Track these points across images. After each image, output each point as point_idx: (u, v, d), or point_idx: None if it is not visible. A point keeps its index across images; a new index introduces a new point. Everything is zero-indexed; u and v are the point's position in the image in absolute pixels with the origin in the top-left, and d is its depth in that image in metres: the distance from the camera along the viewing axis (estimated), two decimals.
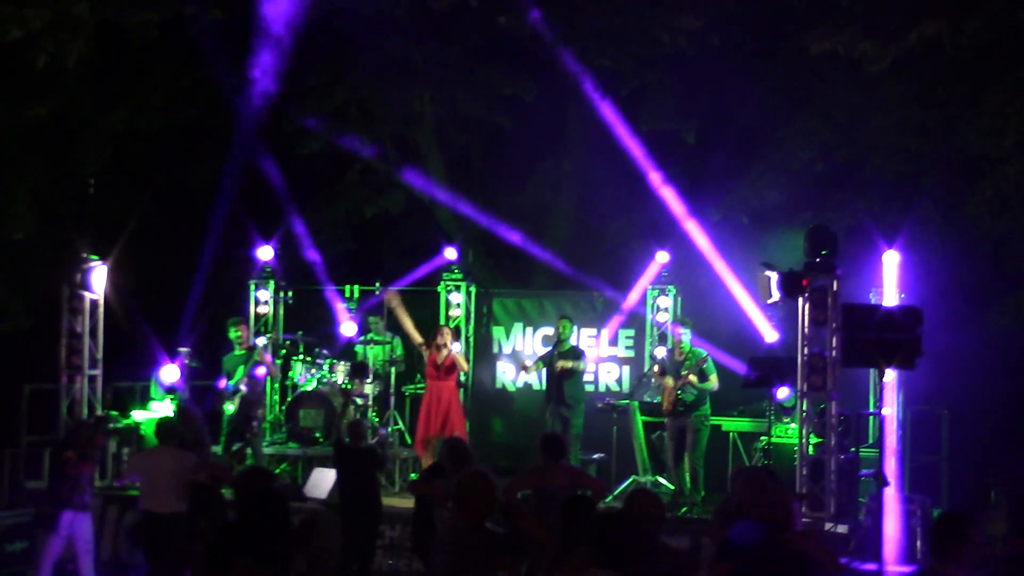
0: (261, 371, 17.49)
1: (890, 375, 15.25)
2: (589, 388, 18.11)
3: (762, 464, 15.88)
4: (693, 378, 15.98)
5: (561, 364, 16.81)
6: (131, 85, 20.06)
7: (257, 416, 17.44)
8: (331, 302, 19.54)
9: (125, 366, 18.50)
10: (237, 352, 17.49)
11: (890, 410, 15.50)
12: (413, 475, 17.75)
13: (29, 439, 16.59)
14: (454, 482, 9.09)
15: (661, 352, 17.80)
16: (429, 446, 16.84)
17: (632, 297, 18.51)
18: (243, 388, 17.23)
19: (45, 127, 19.24)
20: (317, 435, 17.88)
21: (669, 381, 16.25)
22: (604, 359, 19.04)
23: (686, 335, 16.33)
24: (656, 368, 16.83)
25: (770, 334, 16.92)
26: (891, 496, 14.30)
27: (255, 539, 7.65)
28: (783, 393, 15.68)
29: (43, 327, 18.45)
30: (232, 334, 17.56)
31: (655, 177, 19.67)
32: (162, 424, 13.91)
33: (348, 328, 18.90)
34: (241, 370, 17.25)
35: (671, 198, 19.52)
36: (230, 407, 17.31)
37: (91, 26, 16.45)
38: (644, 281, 18.44)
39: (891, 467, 15.08)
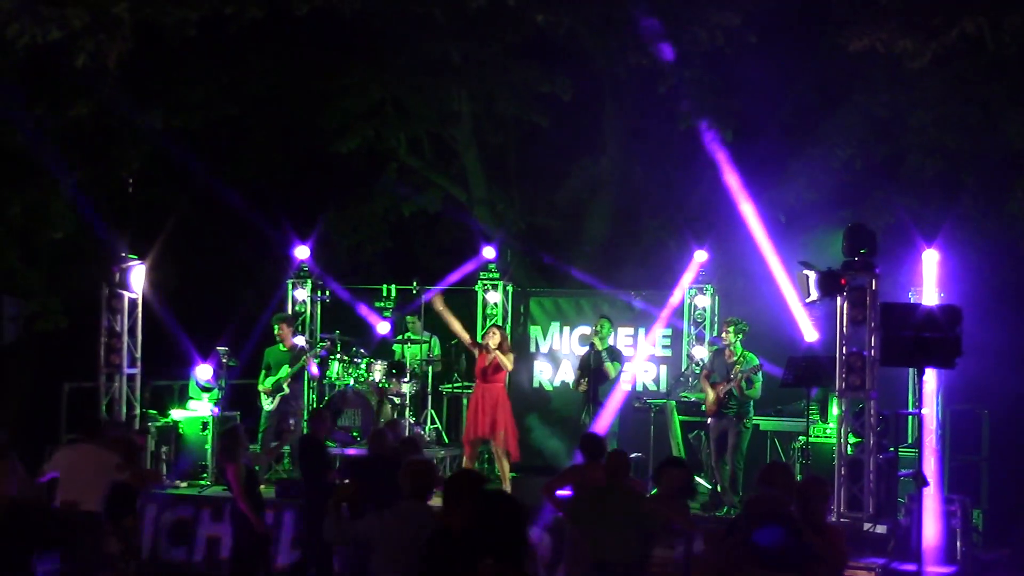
0: (314, 369, 17.68)
1: (930, 375, 15.18)
2: (625, 387, 17.99)
3: (800, 463, 15.81)
4: (743, 385, 15.91)
5: (607, 366, 16.72)
6: (170, 84, 20.15)
7: (295, 415, 17.52)
8: (366, 302, 19.59)
9: (163, 365, 18.60)
10: (280, 348, 17.59)
11: (928, 410, 15.40)
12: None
13: (68, 438, 16.67)
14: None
15: (701, 352, 17.74)
16: (475, 447, 16.85)
17: (675, 297, 18.37)
18: (285, 388, 17.34)
19: (85, 126, 19.35)
20: (355, 434, 17.92)
21: (710, 395, 16.18)
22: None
23: (730, 335, 16.24)
24: (704, 371, 16.74)
25: (810, 333, 16.81)
26: (931, 496, 14.22)
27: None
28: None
29: (82, 326, 18.57)
30: (275, 330, 17.69)
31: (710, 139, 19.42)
32: (83, 421, 13.93)
33: (382, 327, 18.97)
34: (285, 369, 17.33)
35: (732, 182, 19.34)
36: (269, 405, 17.41)
37: (130, 26, 16.51)
38: (685, 282, 18.31)
39: (930, 467, 14.99)
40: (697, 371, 17.25)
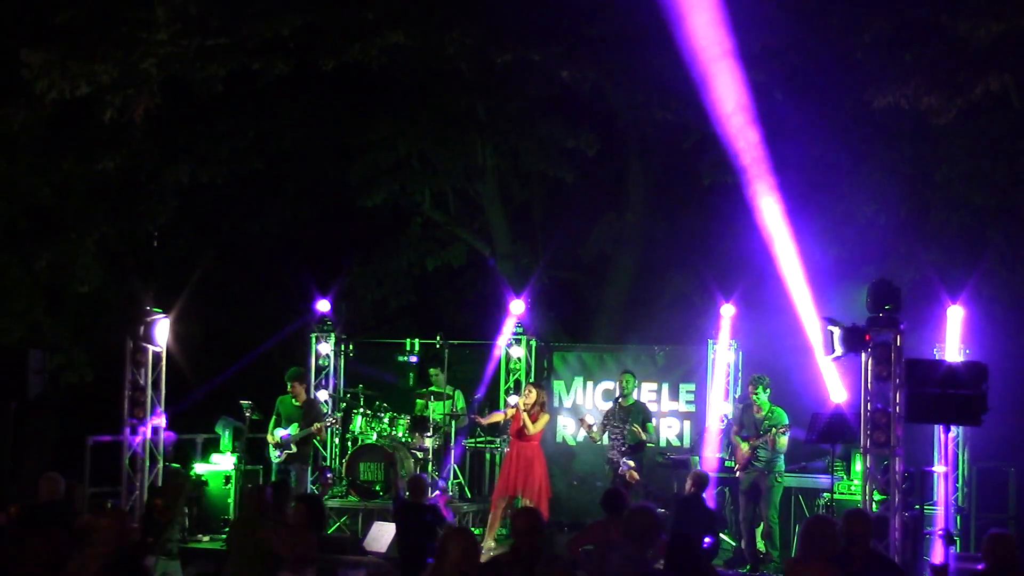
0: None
1: (956, 432, 15.10)
2: (648, 445, 17.86)
3: None
4: (777, 439, 15.93)
5: (635, 428, 16.69)
6: (196, 138, 20.28)
7: (299, 474, 17.50)
8: (390, 355, 19.63)
9: (187, 419, 18.61)
10: (294, 402, 17.56)
11: (946, 467, 15.34)
12: (476, 530, 17.70)
13: (92, 491, 16.68)
14: None
15: (725, 408, 17.72)
16: (500, 506, 16.80)
17: (720, 351, 18.26)
18: (293, 447, 17.31)
19: (112, 180, 19.47)
20: (377, 488, 17.88)
21: (744, 447, 16.19)
22: (665, 414, 18.93)
23: (761, 394, 16.25)
24: (734, 426, 16.74)
25: (838, 393, 16.67)
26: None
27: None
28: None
29: (107, 379, 18.59)
30: (288, 387, 17.68)
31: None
32: None
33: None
34: (295, 428, 17.30)
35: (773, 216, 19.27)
36: (276, 458, 17.38)
37: (157, 81, 16.66)
38: (724, 336, 18.17)
39: (953, 525, 14.90)
40: (722, 427, 17.26)
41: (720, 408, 18.00)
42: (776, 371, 17.00)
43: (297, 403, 17.60)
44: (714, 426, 17.83)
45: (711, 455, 17.23)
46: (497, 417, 17.76)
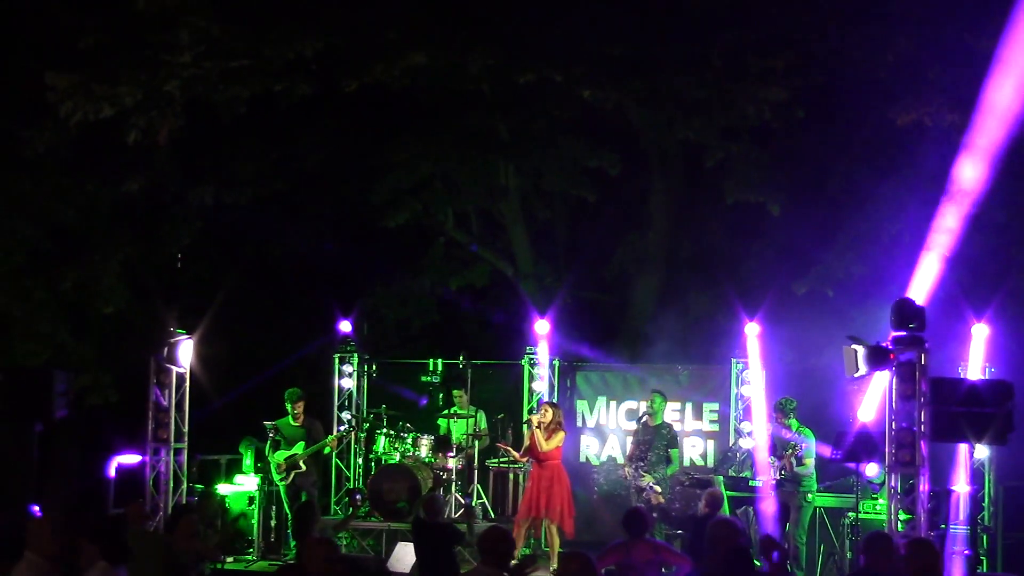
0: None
1: (982, 451, 15.01)
2: (673, 467, 17.75)
3: (850, 540, 15.63)
4: (793, 461, 15.91)
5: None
6: (220, 160, 20.33)
7: (310, 491, 17.52)
8: (413, 375, 19.64)
9: (211, 439, 18.64)
10: (292, 422, 17.61)
11: (969, 486, 15.24)
12: None
13: (115, 512, 16.67)
14: None
15: (748, 427, 17.67)
16: (523, 527, 16.72)
17: (751, 371, 18.15)
18: (302, 465, 17.38)
19: (136, 202, 19.54)
20: (401, 505, 17.87)
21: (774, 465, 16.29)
22: (689, 434, 18.90)
23: (784, 417, 16.25)
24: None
25: (867, 412, 16.58)
26: None
27: None
28: (872, 470, 15.40)
29: (131, 400, 18.63)
30: (288, 407, 17.70)
31: None
32: None
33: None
34: (301, 446, 17.37)
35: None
36: (283, 480, 17.42)
37: (181, 103, 16.75)
38: (754, 355, 18.05)
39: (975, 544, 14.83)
40: (744, 446, 17.26)
41: (764, 428, 17.65)
42: (803, 389, 16.95)
43: (296, 423, 17.68)
44: (763, 444, 17.54)
45: (765, 480, 16.95)
46: (515, 454, 17.68)
